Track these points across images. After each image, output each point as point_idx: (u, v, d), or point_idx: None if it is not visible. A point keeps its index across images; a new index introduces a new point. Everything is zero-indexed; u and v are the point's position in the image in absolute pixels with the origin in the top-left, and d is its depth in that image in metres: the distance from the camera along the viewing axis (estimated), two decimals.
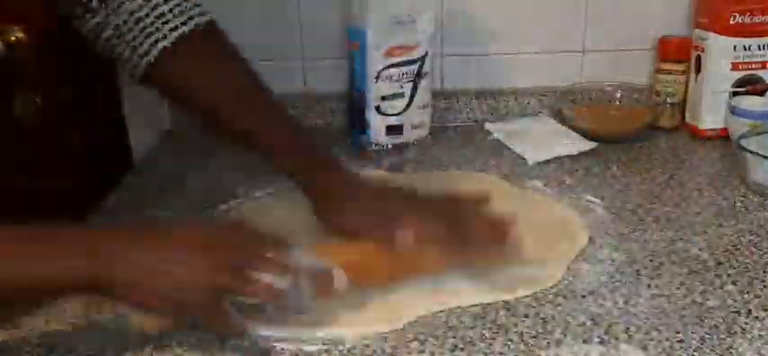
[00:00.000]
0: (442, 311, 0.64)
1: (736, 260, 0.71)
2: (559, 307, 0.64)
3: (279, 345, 0.60)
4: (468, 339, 0.60)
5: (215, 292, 0.55)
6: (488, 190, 0.72)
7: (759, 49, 1.01)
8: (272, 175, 0.92)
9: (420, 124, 1.04)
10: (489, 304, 0.65)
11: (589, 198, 0.85)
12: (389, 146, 1.02)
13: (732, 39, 1.00)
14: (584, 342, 0.59)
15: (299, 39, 1.12)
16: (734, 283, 0.67)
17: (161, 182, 0.94)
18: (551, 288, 0.67)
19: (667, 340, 0.59)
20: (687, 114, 1.07)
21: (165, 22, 0.70)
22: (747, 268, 0.70)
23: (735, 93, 1.01)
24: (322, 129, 1.11)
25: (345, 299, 0.61)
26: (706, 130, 1.04)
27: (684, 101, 1.08)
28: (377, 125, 1.01)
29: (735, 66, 1.01)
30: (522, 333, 0.61)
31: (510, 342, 0.59)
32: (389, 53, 0.97)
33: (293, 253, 0.58)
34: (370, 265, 0.66)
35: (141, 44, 0.70)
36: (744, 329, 0.60)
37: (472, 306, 0.64)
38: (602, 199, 0.85)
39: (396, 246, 0.65)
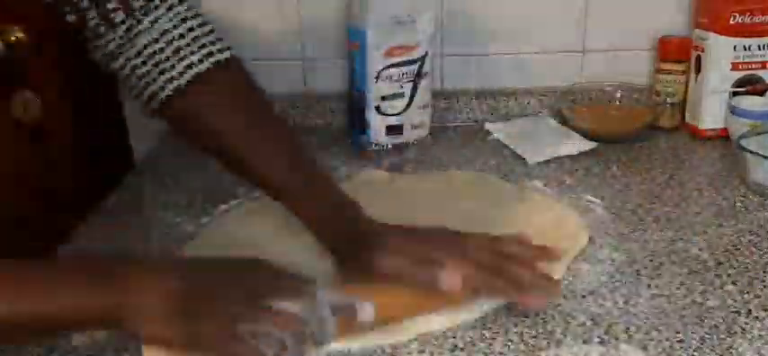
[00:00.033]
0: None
1: (736, 260, 0.71)
2: (559, 307, 0.64)
3: None
4: (469, 339, 0.60)
5: (234, 323, 0.53)
6: (525, 232, 0.70)
7: (759, 49, 1.01)
8: None
9: (420, 124, 1.04)
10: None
11: (589, 198, 0.85)
12: (389, 146, 1.02)
13: (732, 39, 1.00)
14: (584, 342, 0.59)
15: (299, 39, 1.12)
16: (734, 283, 0.67)
17: (161, 182, 0.95)
18: None
19: (667, 340, 0.59)
20: (687, 114, 1.07)
21: (181, 59, 0.67)
22: (747, 268, 0.70)
23: (735, 93, 1.01)
24: (322, 129, 1.11)
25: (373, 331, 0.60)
26: (706, 130, 1.04)
27: (684, 101, 1.08)
28: (377, 125, 1.01)
29: (735, 66, 1.01)
30: (522, 333, 0.61)
31: (510, 343, 0.59)
32: (389, 53, 0.97)
33: (313, 286, 0.56)
34: (399, 303, 0.62)
35: (154, 80, 0.67)
36: (744, 329, 0.60)
37: None
38: (602, 199, 0.85)
39: (442, 289, 0.61)
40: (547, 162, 0.97)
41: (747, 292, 0.66)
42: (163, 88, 0.67)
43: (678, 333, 0.60)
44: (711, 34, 1.00)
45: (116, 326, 0.54)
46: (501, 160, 0.99)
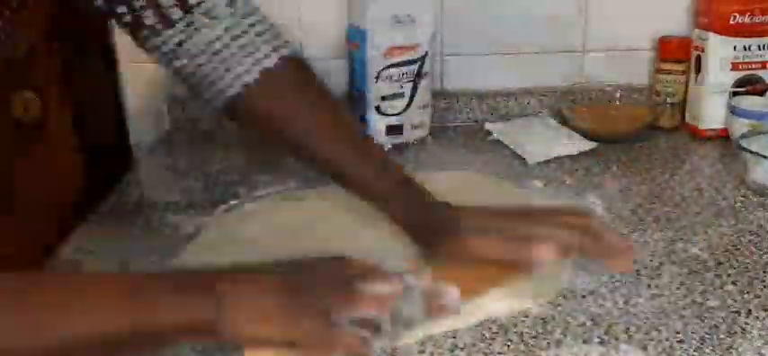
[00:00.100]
0: None
1: (736, 260, 0.71)
2: (559, 307, 0.64)
3: None
4: (469, 339, 0.60)
5: (330, 313, 0.51)
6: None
7: (759, 49, 1.01)
8: (273, 176, 0.93)
9: (420, 124, 1.04)
10: None
11: (589, 198, 0.85)
12: (389, 147, 1.02)
13: (732, 39, 1.00)
14: (584, 342, 0.59)
15: (299, 39, 1.12)
16: (734, 283, 0.67)
17: (161, 183, 0.95)
18: None
19: (667, 340, 0.59)
20: (687, 114, 1.07)
21: (248, 55, 0.66)
22: (747, 268, 0.70)
23: (735, 93, 1.01)
24: None
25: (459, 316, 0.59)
26: (706, 130, 1.04)
27: (684, 101, 1.08)
28: (377, 125, 1.01)
29: (735, 66, 1.01)
30: (522, 333, 0.61)
31: (510, 343, 0.59)
32: (389, 53, 0.98)
33: (401, 271, 0.56)
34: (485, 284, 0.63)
35: (222, 77, 0.66)
36: (744, 329, 0.60)
37: None
38: (601, 199, 0.85)
39: (536, 266, 0.61)
40: (547, 162, 0.97)
41: (747, 292, 0.66)
42: (231, 85, 0.66)
43: (678, 333, 0.60)
44: (711, 34, 1.00)
45: (212, 336, 0.51)
46: (501, 160, 0.99)
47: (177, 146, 1.08)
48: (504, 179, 0.92)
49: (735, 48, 1.00)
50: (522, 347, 0.59)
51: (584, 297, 0.65)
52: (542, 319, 0.62)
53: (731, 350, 0.58)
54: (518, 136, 1.04)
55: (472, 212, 0.66)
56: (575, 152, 0.99)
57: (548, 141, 1.01)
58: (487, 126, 1.09)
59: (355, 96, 1.02)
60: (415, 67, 1.00)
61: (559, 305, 0.64)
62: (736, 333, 0.60)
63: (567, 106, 1.09)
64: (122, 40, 1.10)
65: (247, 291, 0.51)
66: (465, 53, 1.13)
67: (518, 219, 0.65)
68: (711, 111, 1.03)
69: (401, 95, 1.00)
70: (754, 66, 1.01)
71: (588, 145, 1.00)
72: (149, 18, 0.64)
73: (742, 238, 0.76)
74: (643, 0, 1.10)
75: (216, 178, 0.94)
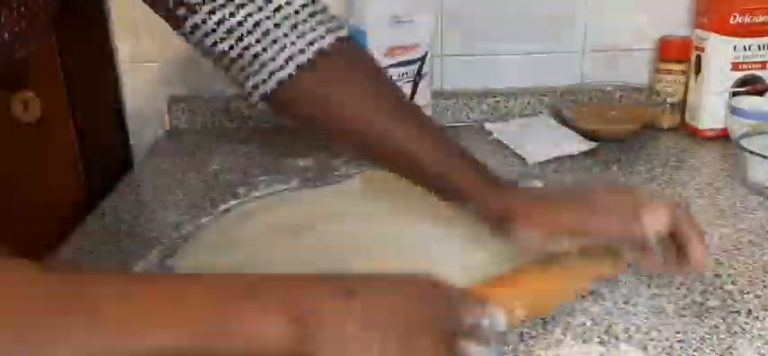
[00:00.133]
0: None
1: (737, 260, 0.71)
2: (559, 307, 0.64)
3: None
4: None
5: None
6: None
7: (759, 49, 1.01)
8: (273, 176, 0.93)
9: None
10: None
11: None
12: None
13: (732, 39, 1.00)
14: (584, 342, 0.59)
15: None
16: (734, 283, 0.67)
17: (161, 182, 0.95)
18: None
19: (667, 340, 0.59)
20: (687, 114, 1.07)
21: (301, 36, 0.63)
22: (747, 268, 0.70)
23: (735, 93, 1.01)
24: None
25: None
26: (706, 130, 1.04)
27: (684, 101, 1.08)
28: None
29: (735, 66, 1.01)
30: (522, 333, 0.61)
31: (510, 343, 0.59)
32: (389, 53, 0.97)
33: (489, 313, 0.50)
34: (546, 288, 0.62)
35: (273, 58, 0.63)
36: (744, 329, 0.60)
37: None
38: None
39: (649, 240, 0.58)
40: (547, 162, 0.97)
41: (747, 292, 0.66)
42: (282, 66, 0.63)
43: (678, 333, 0.60)
44: (711, 34, 1.00)
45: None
46: (501, 160, 0.99)
47: (177, 146, 1.08)
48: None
49: (735, 48, 1.00)
50: (522, 347, 0.59)
51: (584, 297, 0.65)
52: (542, 319, 0.62)
53: (731, 350, 0.58)
54: (518, 136, 1.04)
55: (553, 192, 0.66)
56: (575, 152, 0.99)
57: (548, 141, 1.01)
58: (487, 126, 1.09)
59: None
60: (415, 67, 1.00)
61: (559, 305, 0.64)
62: (736, 333, 0.60)
63: (566, 106, 1.09)
64: (122, 41, 1.11)
65: (333, 314, 0.43)
66: (465, 53, 1.13)
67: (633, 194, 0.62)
68: (711, 111, 1.03)
69: None
70: (754, 66, 1.01)
71: (588, 145, 1.00)
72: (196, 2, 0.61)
73: (742, 238, 0.76)
74: (643, 0, 1.10)
75: (216, 178, 0.94)
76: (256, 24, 0.62)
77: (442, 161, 0.65)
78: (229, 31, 0.63)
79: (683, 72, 1.07)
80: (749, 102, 0.98)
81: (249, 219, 0.82)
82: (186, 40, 0.66)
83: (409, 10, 0.97)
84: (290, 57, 0.63)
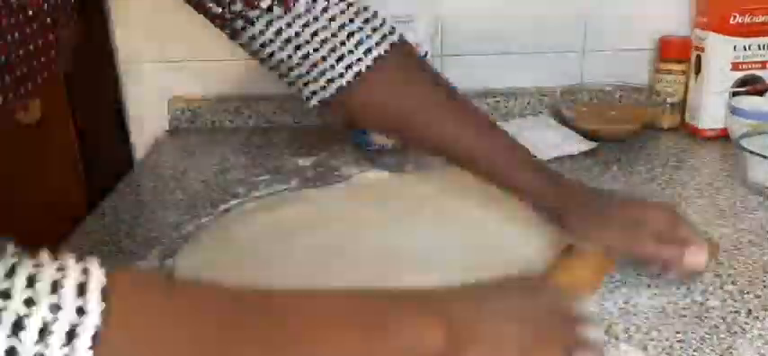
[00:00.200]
0: None
1: (737, 260, 0.71)
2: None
3: None
4: None
5: None
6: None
7: (759, 49, 1.01)
8: (272, 175, 0.93)
9: None
10: None
11: None
12: (389, 146, 1.02)
13: (732, 39, 1.00)
14: None
15: None
16: (734, 283, 0.67)
17: (161, 183, 0.95)
18: None
19: (667, 340, 0.59)
20: (687, 114, 1.07)
21: (359, 44, 0.64)
22: (747, 268, 0.70)
23: (735, 93, 1.01)
24: (322, 129, 1.11)
25: None
26: (706, 130, 1.04)
27: (684, 101, 1.08)
28: None
29: (735, 66, 1.01)
30: None
31: None
32: None
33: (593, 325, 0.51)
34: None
35: (333, 66, 0.64)
36: (744, 329, 0.60)
37: None
38: None
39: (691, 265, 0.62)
40: (547, 162, 0.96)
41: (747, 292, 0.66)
42: (342, 74, 0.64)
43: (678, 333, 0.60)
44: (711, 34, 1.00)
45: None
46: None
47: (177, 146, 1.08)
48: None
49: (735, 48, 1.00)
50: None
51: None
52: None
53: (731, 350, 0.58)
54: (518, 136, 1.03)
55: (611, 198, 0.68)
56: (575, 152, 0.99)
57: (548, 141, 1.01)
58: None
59: None
60: None
61: None
62: (736, 333, 0.60)
63: (566, 106, 1.09)
64: (123, 41, 1.11)
65: (429, 335, 0.43)
66: (465, 53, 1.13)
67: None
68: (711, 111, 1.03)
69: None
70: (754, 66, 1.01)
71: (588, 145, 1.00)
72: (244, 7, 0.62)
73: (742, 238, 0.76)
74: (643, 0, 1.10)
75: (216, 178, 0.94)
76: (314, 34, 0.64)
77: (508, 162, 0.68)
78: (287, 41, 0.64)
79: (683, 72, 1.07)
80: (749, 102, 0.98)
81: (249, 219, 0.82)
82: (243, 49, 0.67)
83: (409, 10, 0.97)
84: (349, 66, 0.64)
